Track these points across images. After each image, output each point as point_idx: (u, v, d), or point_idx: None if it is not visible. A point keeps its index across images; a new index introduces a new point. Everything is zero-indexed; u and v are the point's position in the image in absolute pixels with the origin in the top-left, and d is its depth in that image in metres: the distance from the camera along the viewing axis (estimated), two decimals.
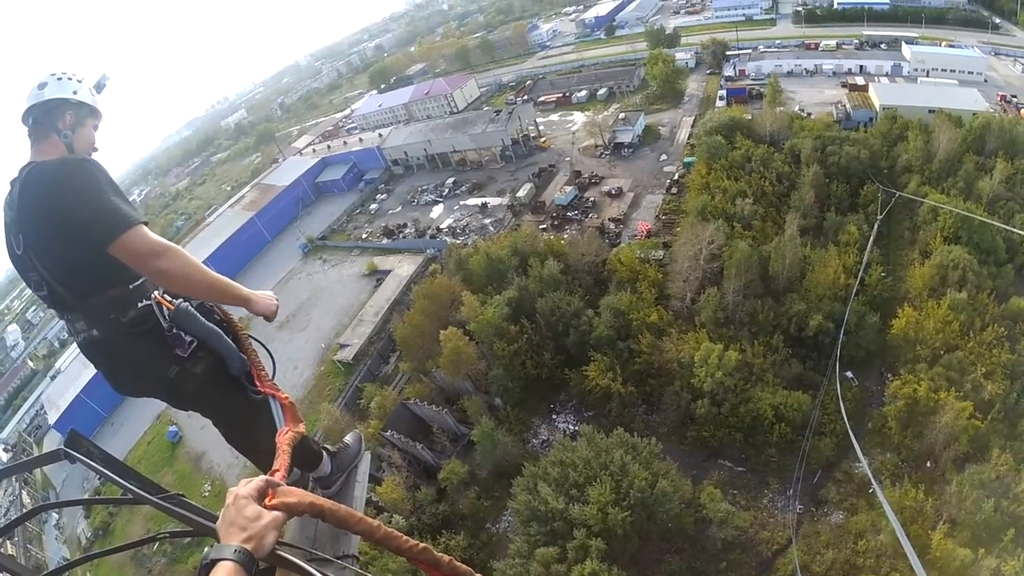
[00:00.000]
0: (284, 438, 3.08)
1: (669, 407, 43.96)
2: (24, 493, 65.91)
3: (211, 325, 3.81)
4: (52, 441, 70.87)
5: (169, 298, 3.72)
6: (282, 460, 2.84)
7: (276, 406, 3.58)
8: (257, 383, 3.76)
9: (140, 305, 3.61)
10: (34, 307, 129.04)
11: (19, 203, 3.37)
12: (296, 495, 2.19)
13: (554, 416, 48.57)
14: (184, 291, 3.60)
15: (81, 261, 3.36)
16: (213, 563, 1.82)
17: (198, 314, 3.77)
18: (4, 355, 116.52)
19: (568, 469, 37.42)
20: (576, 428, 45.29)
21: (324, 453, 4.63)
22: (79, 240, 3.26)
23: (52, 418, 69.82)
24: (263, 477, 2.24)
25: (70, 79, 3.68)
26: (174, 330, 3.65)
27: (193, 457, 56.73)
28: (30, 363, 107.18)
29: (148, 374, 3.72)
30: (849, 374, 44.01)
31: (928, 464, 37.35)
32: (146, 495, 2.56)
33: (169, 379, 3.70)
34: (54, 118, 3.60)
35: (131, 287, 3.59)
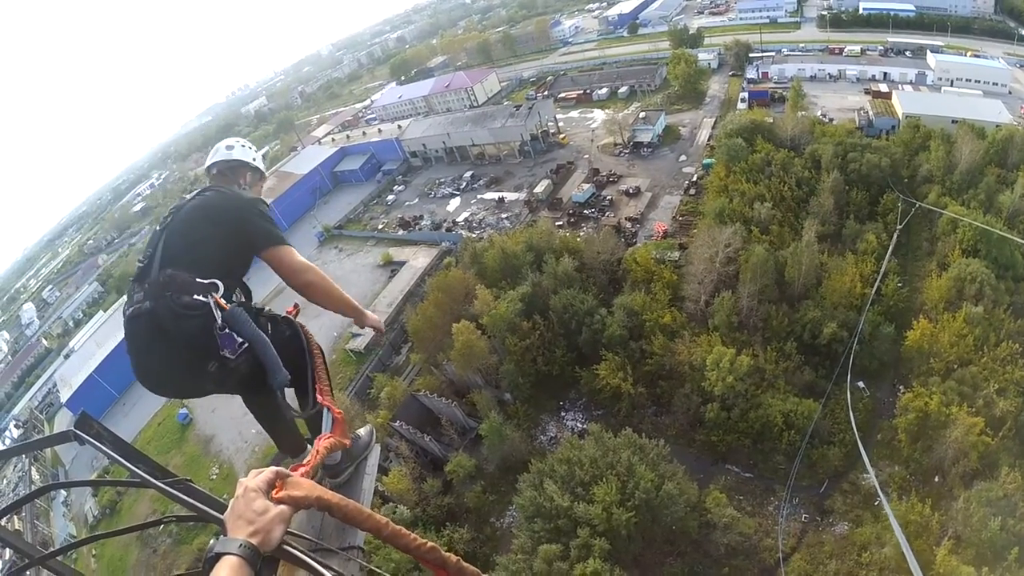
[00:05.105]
0: (324, 442, 3.12)
1: (679, 410, 43.84)
2: (34, 470, 66.76)
3: (260, 332, 3.80)
4: (63, 419, 71.91)
5: (224, 300, 3.73)
6: (312, 460, 2.91)
7: (328, 418, 3.96)
8: (318, 396, 4.09)
9: (200, 297, 3.62)
10: (50, 286, 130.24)
11: (197, 200, 4.12)
12: (304, 488, 2.18)
13: (563, 413, 48.53)
14: (320, 301, 4.28)
15: (220, 251, 3.93)
16: (218, 556, 1.81)
17: (249, 319, 3.78)
18: (19, 333, 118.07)
19: (575, 467, 37.34)
20: (584, 426, 45.23)
21: None
22: (236, 238, 4.00)
23: (64, 396, 70.70)
24: (273, 468, 2.23)
25: (248, 148, 4.91)
26: (226, 330, 3.65)
27: (202, 440, 57.24)
28: (44, 342, 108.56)
29: (185, 359, 3.67)
30: (861, 384, 43.62)
31: (936, 479, 36.95)
32: (152, 480, 2.55)
33: (205, 372, 3.68)
34: (237, 174, 4.80)
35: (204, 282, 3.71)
